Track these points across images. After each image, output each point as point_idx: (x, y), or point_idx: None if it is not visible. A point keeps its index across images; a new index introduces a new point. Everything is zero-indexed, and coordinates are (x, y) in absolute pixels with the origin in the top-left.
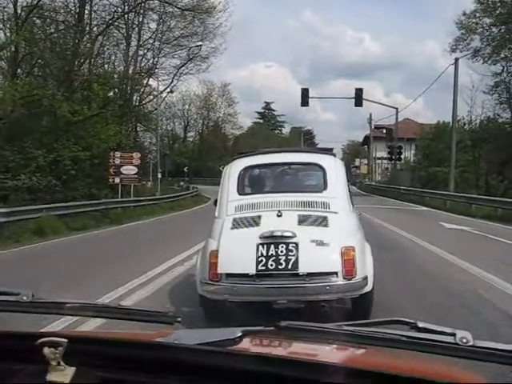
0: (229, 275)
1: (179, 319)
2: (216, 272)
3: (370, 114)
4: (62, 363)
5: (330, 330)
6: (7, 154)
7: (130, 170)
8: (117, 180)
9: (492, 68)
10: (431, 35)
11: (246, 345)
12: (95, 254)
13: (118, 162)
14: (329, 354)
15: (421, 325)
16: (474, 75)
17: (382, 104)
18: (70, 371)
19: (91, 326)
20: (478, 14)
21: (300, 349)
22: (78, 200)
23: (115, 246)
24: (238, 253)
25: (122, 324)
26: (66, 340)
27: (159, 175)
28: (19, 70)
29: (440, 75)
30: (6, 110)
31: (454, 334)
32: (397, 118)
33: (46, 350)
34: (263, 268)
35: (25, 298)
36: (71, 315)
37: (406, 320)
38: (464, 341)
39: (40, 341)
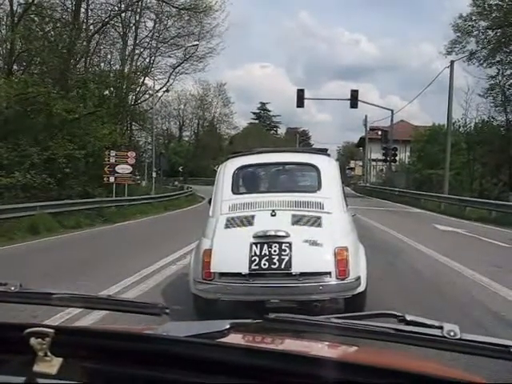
0: (222, 274)
1: (168, 311)
2: (209, 271)
3: (366, 116)
4: (49, 354)
5: (318, 323)
6: (1, 152)
7: (124, 168)
8: (111, 179)
9: (487, 71)
10: (427, 38)
11: (235, 337)
12: (88, 253)
13: (113, 160)
14: (317, 347)
15: (409, 318)
16: (469, 78)
17: (378, 106)
18: (57, 362)
19: (88, 320)
20: (474, 17)
21: (288, 341)
22: (72, 198)
23: (109, 245)
24: (231, 252)
25: (116, 317)
26: (52, 330)
27: (154, 174)
28: (15, 67)
29: (435, 78)
30: (1, 107)
31: (441, 327)
32: (392, 119)
33: (33, 341)
34: (256, 267)
35: (12, 288)
36: (60, 306)
37: (395, 313)
38: (451, 334)
39: (27, 331)
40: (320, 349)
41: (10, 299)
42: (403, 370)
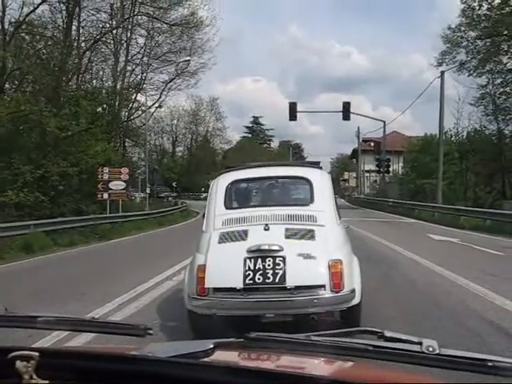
0: (216, 289)
1: (151, 331)
2: (203, 286)
3: (358, 128)
4: (34, 377)
5: (298, 341)
6: None
7: (118, 185)
8: (105, 195)
9: (477, 80)
10: (417, 48)
11: (218, 356)
12: (84, 271)
13: (106, 177)
14: (297, 364)
15: (388, 334)
16: (460, 88)
17: (370, 117)
18: None
19: (78, 342)
20: (463, 28)
21: (270, 359)
22: (66, 216)
23: (104, 262)
24: (225, 267)
25: (106, 339)
26: (37, 353)
27: (148, 190)
28: (7, 86)
29: (426, 88)
30: None
31: (420, 343)
32: (384, 130)
33: (19, 364)
34: (251, 282)
35: None
36: (45, 329)
37: (374, 329)
38: (430, 349)
39: (12, 354)
40: (299, 366)
41: None
42: None
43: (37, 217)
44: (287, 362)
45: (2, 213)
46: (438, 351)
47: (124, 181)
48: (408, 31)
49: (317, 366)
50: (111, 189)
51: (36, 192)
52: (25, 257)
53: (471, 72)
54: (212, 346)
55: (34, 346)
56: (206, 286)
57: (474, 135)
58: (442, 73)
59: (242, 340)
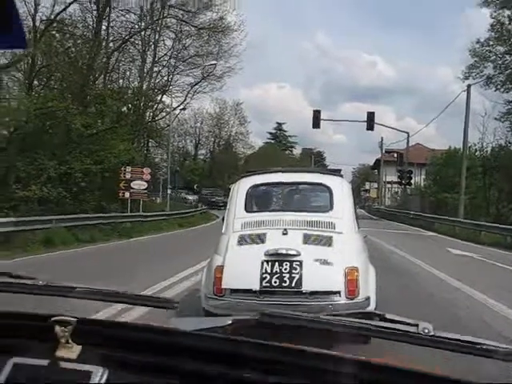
0: (233, 291)
1: (177, 305)
2: (220, 287)
3: (382, 138)
4: (70, 341)
5: (308, 319)
6: (19, 165)
7: (140, 184)
8: (127, 194)
9: (504, 96)
10: (445, 62)
11: (236, 331)
12: (101, 267)
13: (128, 176)
14: (308, 340)
15: (388, 316)
16: (486, 102)
17: (394, 128)
18: (77, 349)
19: None
20: (491, 42)
21: (285, 335)
22: (87, 212)
23: (123, 260)
24: (242, 269)
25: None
26: (75, 319)
27: (169, 191)
28: (35, 82)
29: (452, 101)
30: (21, 121)
31: (416, 325)
32: (408, 142)
33: (57, 328)
34: (267, 285)
35: (40, 282)
36: (80, 298)
37: (376, 312)
38: (426, 331)
39: (52, 319)
40: (309, 342)
41: (37, 292)
42: (377, 363)
43: (58, 212)
44: (299, 339)
45: (26, 207)
46: (432, 333)
47: (146, 181)
48: (436, 44)
49: (321, 341)
50: (133, 188)
51: (59, 188)
52: (45, 250)
53: (498, 87)
54: (230, 322)
55: None
56: (223, 286)
57: (498, 151)
58: (469, 86)
59: (257, 318)
